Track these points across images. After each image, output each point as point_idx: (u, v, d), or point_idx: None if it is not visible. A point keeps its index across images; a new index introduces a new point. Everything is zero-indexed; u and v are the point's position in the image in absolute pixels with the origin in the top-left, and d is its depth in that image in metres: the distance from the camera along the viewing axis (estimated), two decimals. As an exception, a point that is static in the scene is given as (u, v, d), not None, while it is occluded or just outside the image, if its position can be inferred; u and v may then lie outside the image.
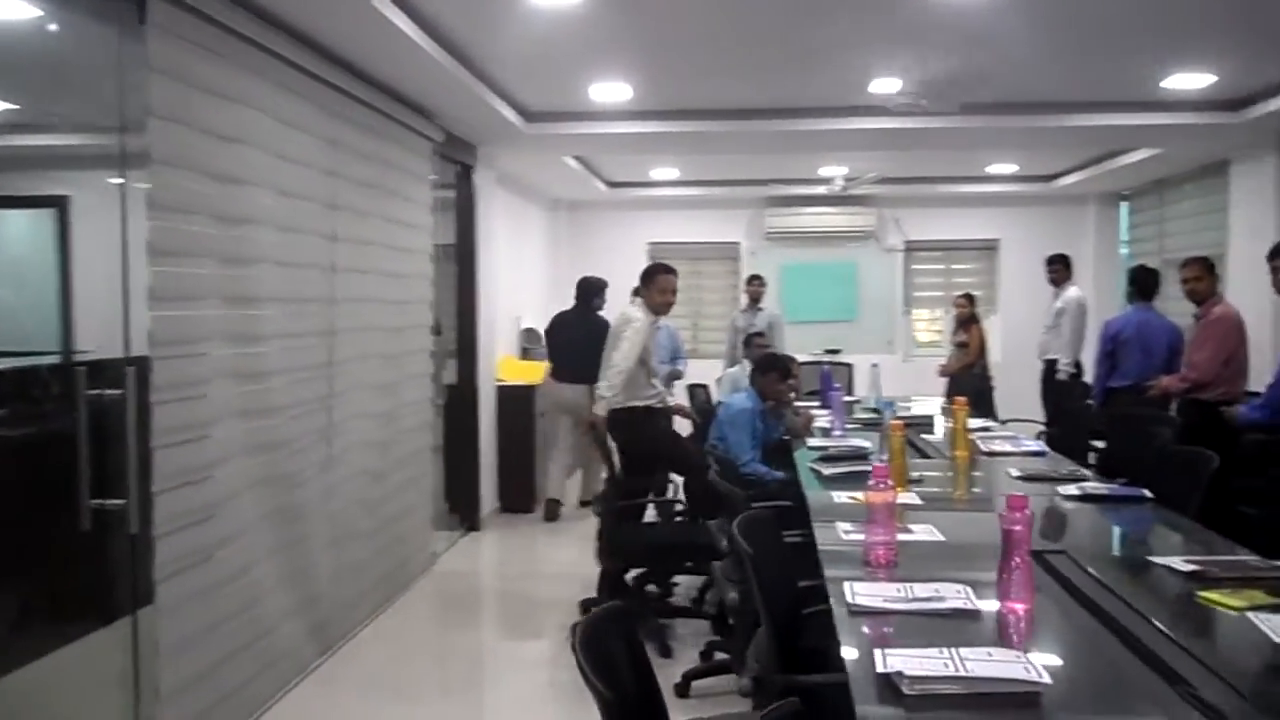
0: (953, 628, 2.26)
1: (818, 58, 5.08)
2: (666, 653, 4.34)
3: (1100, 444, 5.68)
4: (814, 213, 10.19)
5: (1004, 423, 6.33)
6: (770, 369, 5.22)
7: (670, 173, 9.19)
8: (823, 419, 5.90)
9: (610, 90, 5.68)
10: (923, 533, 3.12)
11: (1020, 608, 2.33)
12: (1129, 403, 5.90)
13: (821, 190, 9.68)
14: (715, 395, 6.96)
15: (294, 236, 4.07)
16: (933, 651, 1.99)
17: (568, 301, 7.41)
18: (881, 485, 2.83)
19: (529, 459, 7.32)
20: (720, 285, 10.66)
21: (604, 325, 6.19)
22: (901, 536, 2.96)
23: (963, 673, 1.89)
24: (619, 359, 5.18)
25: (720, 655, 4.04)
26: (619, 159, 8.51)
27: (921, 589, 2.49)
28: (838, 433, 5.56)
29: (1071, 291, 7.79)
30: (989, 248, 10.45)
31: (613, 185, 9.58)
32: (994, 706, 1.84)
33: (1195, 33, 4.65)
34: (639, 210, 10.36)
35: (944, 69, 5.02)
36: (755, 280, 8.65)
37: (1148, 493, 3.70)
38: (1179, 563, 2.76)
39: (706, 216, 10.42)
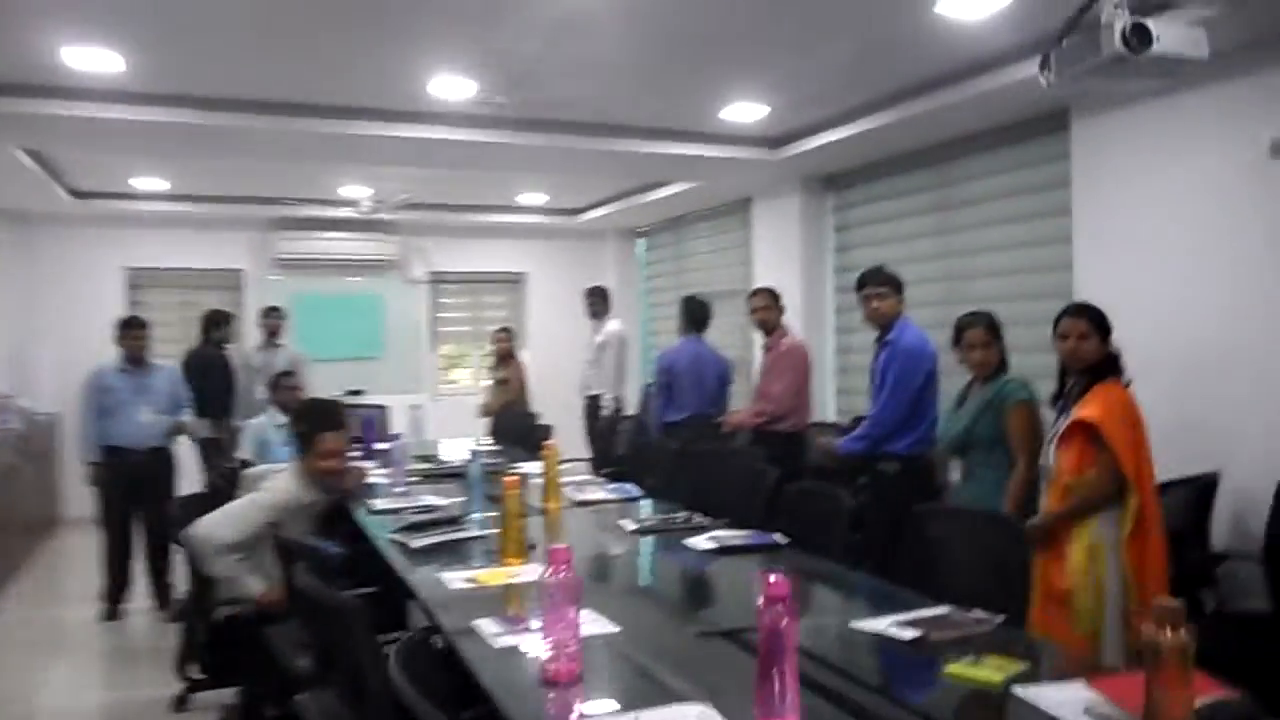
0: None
1: (370, 46, 4.27)
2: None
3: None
4: (332, 238, 9.13)
5: (561, 463, 5.88)
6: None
7: (157, 184, 7.60)
8: (375, 473, 5.02)
9: (92, 57, 4.32)
10: (592, 623, 2.42)
11: (791, 731, 1.74)
12: (688, 436, 5.77)
13: (343, 213, 8.71)
14: (241, 452, 5.69)
15: None
16: None
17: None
18: (562, 573, 2.09)
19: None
20: (221, 319, 9.15)
21: (225, 358, 7.06)
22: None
23: None
24: (208, 522, 3.47)
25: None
26: (92, 160, 6.76)
27: (651, 717, 1.80)
28: (399, 489, 4.71)
29: (612, 325, 7.64)
30: (517, 280, 10.18)
31: (80, 195, 7.70)
32: None
33: (756, 65, 4.66)
34: (115, 228, 8.53)
35: (523, 68, 4.47)
36: (273, 313, 7.43)
37: (779, 538, 3.39)
38: (893, 629, 2.38)
39: (202, 239, 8.90)
